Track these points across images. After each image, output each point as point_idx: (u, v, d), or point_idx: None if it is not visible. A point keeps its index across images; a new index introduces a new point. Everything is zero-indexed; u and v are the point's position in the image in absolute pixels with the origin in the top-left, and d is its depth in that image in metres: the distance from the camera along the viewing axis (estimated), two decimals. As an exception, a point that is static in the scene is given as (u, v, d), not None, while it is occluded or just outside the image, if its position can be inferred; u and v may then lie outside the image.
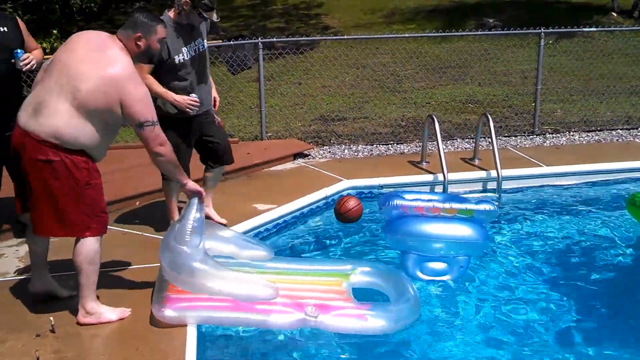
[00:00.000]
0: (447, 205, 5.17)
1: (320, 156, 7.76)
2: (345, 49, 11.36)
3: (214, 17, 5.07)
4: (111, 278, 4.66)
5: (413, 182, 6.76)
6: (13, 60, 4.90)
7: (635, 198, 5.78)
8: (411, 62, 11.27)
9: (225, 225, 5.41)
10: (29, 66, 4.96)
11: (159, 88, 4.89)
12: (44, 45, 8.93)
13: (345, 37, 12.34)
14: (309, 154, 7.77)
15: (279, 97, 10.39)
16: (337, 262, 4.95)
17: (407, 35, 9.87)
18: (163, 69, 4.92)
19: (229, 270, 4.19)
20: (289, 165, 7.35)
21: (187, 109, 4.95)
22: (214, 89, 5.51)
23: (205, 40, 5.20)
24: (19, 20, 5.16)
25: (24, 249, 5.13)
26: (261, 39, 8.18)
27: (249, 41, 9.54)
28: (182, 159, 4.78)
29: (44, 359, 3.64)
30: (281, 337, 4.15)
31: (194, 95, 5.00)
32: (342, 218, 5.55)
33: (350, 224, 5.69)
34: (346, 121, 9.33)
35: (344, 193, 6.49)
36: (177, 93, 4.96)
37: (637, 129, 8.92)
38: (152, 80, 4.84)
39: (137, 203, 6.08)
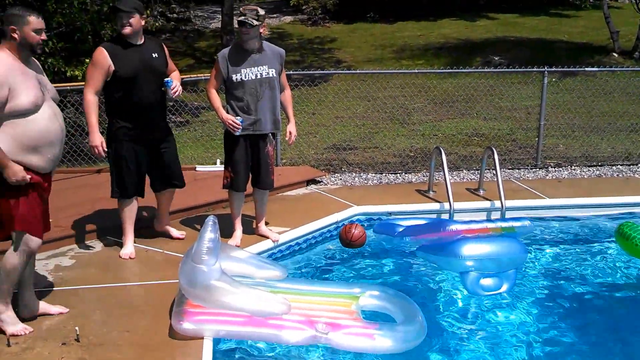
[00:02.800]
0: (492, 225, 5.81)
1: (331, 183, 7.87)
2: (357, 82, 11.53)
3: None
4: (131, 292, 4.77)
5: (420, 210, 6.84)
6: (164, 89, 5.18)
7: (623, 228, 5.77)
8: (420, 96, 11.43)
9: (277, 241, 5.82)
10: (177, 94, 5.26)
11: (216, 102, 5.43)
12: (77, 73, 9.16)
13: (358, 71, 12.51)
14: (321, 181, 7.88)
15: (294, 123, 10.49)
16: (348, 284, 5.00)
17: (416, 70, 10.05)
18: (226, 86, 5.42)
19: (244, 287, 4.26)
20: (302, 190, 7.46)
21: (229, 128, 5.34)
22: (293, 123, 5.82)
23: (273, 70, 5.44)
24: (163, 44, 5.44)
25: (53, 262, 5.26)
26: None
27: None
28: (238, 174, 5.53)
29: (68, 366, 3.73)
30: (293, 353, 4.22)
31: (239, 118, 5.33)
32: (347, 244, 5.75)
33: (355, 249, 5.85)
34: (357, 150, 9.45)
35: (354, 219, 6.59)
36: (234, 110, 5.40)
37: (636, 165, 8.98)
38: (213, 94, 5.41)
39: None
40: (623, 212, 7.18)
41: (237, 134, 5.36)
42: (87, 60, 9.45)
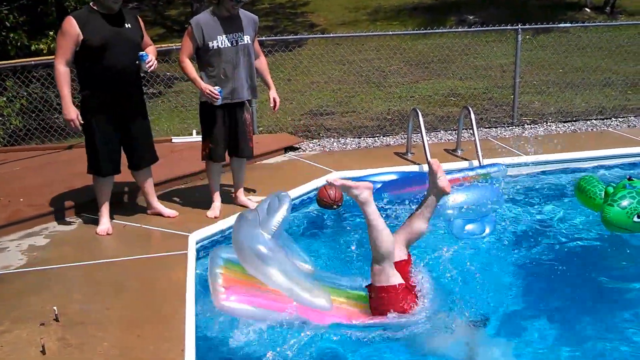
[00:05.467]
0: (472, 173, 6.08)
1: (310, 149, 7.77)
2: (331, 46, 11.38)
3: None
4: (111, 269, 4.67)
5: (400, 173, 6.77)
6: (138, 62, 5.01)
7: (581, 183, 5.78)
8: (395, 58, 11.30)
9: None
10: (152, 68, 5.10)
11: (192, 73, 5.23)
12: (41, 46, 8.87)
13: (332, 35, 12.34)
14: (299, 147, 7.78)
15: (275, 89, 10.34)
16: None
17: (390, 32, 9.85)
18: (199, 54, 5.23)
19: (296, 272, 4.12)
20: (280, 158, 7.36)
21: (207, 98, 5.20)
22: (274, 90, 5.69)
23: (248, 37, 5.32)
24: (138, 17, 5.26)
25: (27, 242, 5.14)
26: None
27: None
28: (217, 145, 5.41)
29: (48, 346, 3.63)
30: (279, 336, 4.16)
31: (217, 88, 5.19)
32: (329, 206, 5.74)
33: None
34: (334, 115, 9.34)
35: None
36: (209, 79, 5.25)
37: (610, 119, 9.00)
38: (187, 64, 5.22)
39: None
40: (598, 166, 7.21)
41: (217, 103, 5.23)
42: (52, 34, 9.21)
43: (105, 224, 5.28)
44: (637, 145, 7.54)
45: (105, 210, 5.31)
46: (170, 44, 9.09)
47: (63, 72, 4.79)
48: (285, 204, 4.22)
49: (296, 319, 4.00)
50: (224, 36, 5.18)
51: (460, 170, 6.10)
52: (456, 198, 5.66)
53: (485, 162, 6.72)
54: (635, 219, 5.00)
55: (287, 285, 3.96)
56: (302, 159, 7.27)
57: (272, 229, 4.06)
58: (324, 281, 4.36)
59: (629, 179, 5.47)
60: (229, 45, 5.21)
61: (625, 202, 5.03)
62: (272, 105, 5.66)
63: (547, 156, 7.23)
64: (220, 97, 5.19)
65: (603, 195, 5.41)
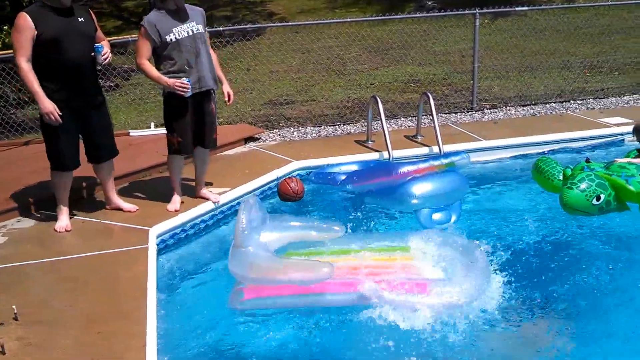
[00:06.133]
0: (436, 163, 6.07)
1: (270, 139, 7.81)
2: (290, 34, 11.38)
3: None
4: (71, 266, 4.67)
5: (360, 161, 6.86)
6: (94, 54, 5.03)
7: (539, 164, 5.88)
8: (354, 45, 11.37)
9: (218, 202, 5.75)
10: (107, 60, 5.13)
11: (154, 73, 5.20)
12: (-4, 41, 8.74)
13: (290, 23, 12.32)
14: (260, 138, 7.81)
15: (228, 83, 10.32)
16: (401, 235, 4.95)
17: (348, 19, 9.92)
18: (157, 52, 5.21)
19: (284, 259, 4.35)
20: (240, 149, 7.38)
21: (177, 91, 5.17)
22: (227, 83, 5.72)
23: (200, 26, 5.34)
24: (90, 10, 5.24)
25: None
26: (207, 28, 8.12)
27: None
28: (186, 137, 5.42)
29: (8, 346, 3.64)
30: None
31: (185, 78, 5.18)
32: (289, 198, 5.94)
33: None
34: (294, 104, 9.39)
35: (295, 174, 6.58)
36: (171, 74, 5.21)
37: (569, 101, 9.21)
38: (148, 66, 5.19)
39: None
40: (559, 149, 7.38)
41: (188, 94, 5.23)
42: (6, 28, 9.05)
43: (64, 220, 5.26)
44: (596, 128, 7.74)
45: (64, 206, 5.29)
46: (126, 36, 9.01)
47: (27, 68, 4.79)
48: (240, 209, 4.49)
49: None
50: (179, 27, 5.19)
51: (425, 160, 6.18)
52: (422, 188, 5.76)
53: (446, 148, 6.85)
54: (594, 201, 5.10)
55: (282, 277, 4.16)
56: (263, 150, 7.31)
57: (241, 239, 4.30)
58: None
59: (587, 161, 5.61)
60: (186, 35, 5.22)
61: (583, 185, 5.10)
62: (226, 99, 5.67)
63: (506, 140, 7.39)
64: (190, 87, 5.20)
65: (561, 177, 5.52)
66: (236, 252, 4.30)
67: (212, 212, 5.74)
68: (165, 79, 5.18)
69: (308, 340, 4.01)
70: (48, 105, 4.83)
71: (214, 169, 6.35)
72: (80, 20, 5.00)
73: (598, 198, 5.08)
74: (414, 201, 5.70)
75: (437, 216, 5.64)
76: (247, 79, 10.44)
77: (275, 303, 4.20)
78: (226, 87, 5.68)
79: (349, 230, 5.13)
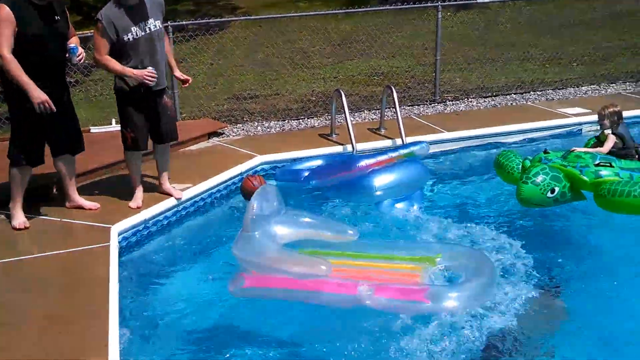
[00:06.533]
0: (395, 154, 6.11)
1: (234, 134, 7.77)
2: (254, 28, 11.34)
3: None
4: (32, 266, 4.60)
5: (325, 155, 6.86)
6: (68, 56, 4.95)
7: (499, 158, 5.99)
8: (318, 39, 11.35)
9: (180, 198, 5.69)
10: (82, 61, 5.09)
11: (117, 66, 5.11)
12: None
13: (254, 17, 12.27)
14: (223, 133, 7.76)
15: (191, 78, 10.22)
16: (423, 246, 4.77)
17: (312, 13, 9.93)
18: (114, 49, 5.10)
19: (287, 251, 4.29)
20: (203, 144, 7.33)
21: (146, 81, 5.12)
22: (177, 69, 5.69)
23: (158, 22, 5.27)
24: (65, 7, 5.14)
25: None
26: (170, 22, 8.05)
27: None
28: (140, 133, 5.37)
29: (-35, 349, 3.57)
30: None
31: (150, 67, 5.15)
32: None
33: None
34: (258, 99, 9.35)
35: (258, 169, 6.56)
36: None
37: (529, 92, 9.33)
38: (110, 60, 5.09)
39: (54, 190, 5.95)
40: (520, 140, 7.49)
41: (153, 85, 5.21)
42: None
43: (21, 216, 5.16)
44: (555, 118, 7.87)
45: (19, 203, 5.18)
46: (86, 31, 8.85)
47: (12, 59, 4.68)
48: (255, 195, 4.49)
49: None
50: (136, 27, 5.09)
51: (384, 152, 6.23)
52: (383, 179, 5.79)
53: (408, 140, 6.89)
54: (549, 194, 5.19)
55: (281, 267, 4.16)
56: (226, 145, 7.27)
57: (248, 224, 4.30)
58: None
59: (545, 152, 5.70)
60: (143, 34, 5.14)
61: (539, 179, 5.20)
62: (181, 80, 5.61)
63: (468, 132, 7.47)
64: (156, 76, 5.18)
65: (521, 168, 5.60)
66: (242, 236, 4.30)
67: (175, 209, 5.69)
68: (131, 70, 5.12)
69: (284, 340, 4.01)
70: (42, 95, 4.73)
71: (176, 165, 6.29)
72: (57, 19, 4.93)
73: (552, 191, 5.19)
74: (378, 193, 5.74)
75: (400, 206, 5.70)
76: (211, 74, 10.36)
77: (273, 295, 4.13)
78: (178, 72, 5.65)
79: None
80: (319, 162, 6.47)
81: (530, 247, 4.88)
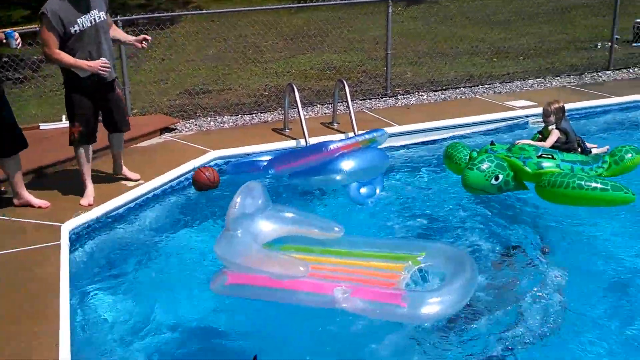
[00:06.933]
0: (360, 139, 6.19)
1: (187, 129, 7.69)
2: (206, 23, 11.22)
3: None
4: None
5: (278, 149, 6.85)
6: (6, 41, 4.80)
7: (448, 150, 6.10)
8: (270, 33, 11.32)
9: (138, 179, 5.85)
10: (20, 45, 4.92)
11: (70, 59, 5.04)
12: None
13: (206, 11, 12.14)
14: (176, 128, 7.68)
15: (143, 73, 10.12)
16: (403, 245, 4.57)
17: (264, 7, 9.87)
18: (61, 42, 5.02)
19: (265, 251, 4.19)
20: (156, 140, 7.24)
21: (100, 71, 5.11)
22: (130, 38, 5.69)
23: (103, 12, 5.20)
24: None
25: None
26: (120, 16, 7.91)
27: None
28: (91, 124, 5.36)
29: None
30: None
31: (103, 58, 5.12)
32: (206, 187, 5.88)
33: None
34: (211, 94, 9.27)
35: (212, 164, 6.51)
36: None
37: (477, 86, 9.47)
38: (60, 53, 5.02)
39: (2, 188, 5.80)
40: (470, 132, 7.60)
41: (107, 76, 5.18)
42: None
43: None
44: (503, 111, 8.01)
45: None
46: (34, 26, 8.63)
47: None
48: (238, 192, 4.43)
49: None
50: (82, 17, 5.03)
51: (350, 138, 6.31)
52: (347, 164, 5.86)
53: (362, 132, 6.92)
54: (493, 181, 5.32)
55: (258, 267, 4.06)
56: (179, 140, 7.20)
57: (229, 222, 4.23)
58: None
59: (492, 144, 5.82)
60: (89, 25, 5.08)
61: (484, 166, 5.34)
62: (139, 41, 5.56)
63: (419, 125, 7.54)
64: (110, 67, 5.14)
65: (468, 160, 5.71)
66: (223, 235, 4.24)
67: (127, 206, 5.61)
68: (85, 62, 5.07)
69: (243, 340, 3.99)
70: None
71: (128, 161, 6.20)
72: None
73: (496, 178, 5.32)
74: (338, 177, 5.82)
75: (364, 190, 5.80)
76: (162, 69, 10.23)
77: (255, 294, 4.04)
78: (131, 38, 5.66)
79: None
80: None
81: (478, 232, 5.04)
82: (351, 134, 7.01)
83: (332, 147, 6.00)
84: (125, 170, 5.93)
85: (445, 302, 3.66)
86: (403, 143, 7.36)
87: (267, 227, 4.40)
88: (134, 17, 8.62)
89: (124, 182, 5.80)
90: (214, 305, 4.22)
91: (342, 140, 6.20)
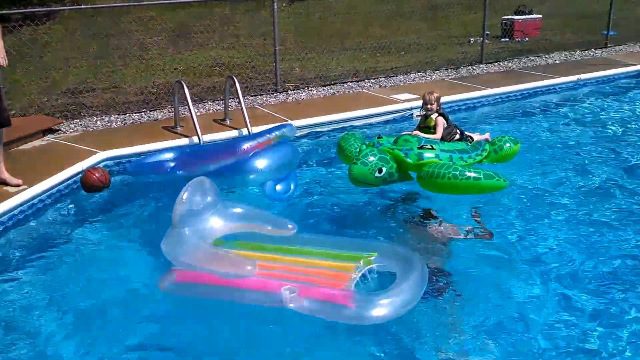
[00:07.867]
0: (272, 135, 6.13)
1: (71, 130, 7.23)
2: (87, 19, 10.64)
3: None
4: None
5: (171, 148, 6.56)
6: None
7: (340, 143, 6.07)
8: (155, 30, 10.91)
9: (19, 184, 5.43)
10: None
11: None
12: None
13: (85, 6, 11.51)
14: (59, 129, 7.20)
15: (20, 72, 9.43)
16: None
17: (145, 2, 9.44)
18: None
19: (213, 249, 4.00)
20: (38, 142, 6.75)
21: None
22: None
23: None
24: None
25: None
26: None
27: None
28: None
29: None
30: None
31: None
32: (97, 188, 5.60)
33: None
34: (95, 92, 8.79)
35: (102, 165, 6.15)
36: None
37: (363, 80, 9.58)
38: None
39: None
40: (360, 125, 7.65)
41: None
42: None
43: None
44: (388, 104, 8.13)
45: None
46: None
47: None
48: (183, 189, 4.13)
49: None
50: None
51: (260, 134, 6.15)
52: (260, 162, 5.72)
53: (255, 130, 6.79)
54: (377, 174, 5.36)
55: (205, 266, 3.89)
56: (64, 142, 6.75)
57: (175, 219, 4.01)
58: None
59: (379, 137, 5.86)
60: None
61: (368, 160, 5.36)
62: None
63: (309, 120, 7.50)
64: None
65: (358, 152, 5.72)
66: (170, 232, 3.98)
67: (11, 213, 5.17)
68: None
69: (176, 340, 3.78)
70: None
71: (9, 165, 5.72)
72: None
73: (380, 171, 5.35)
74: (252, 176, 5.69)
75: (279, 187, 5.68)
76: (41, 67, 9.57)
77: (203, 292, 3.83)
78: None
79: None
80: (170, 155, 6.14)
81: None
82: (244, 131, 6.86)
83: (245, 146, 5.86)
84: (6, 176, 5.44)
85: (394, 304, 3.54)
86: (296, 137, 7.29)
87: (218, 223, 4.19)
88: (6, 12, 7.99)
89: (5, 187, 5.33)
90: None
91: (254, 137, 6.08)
